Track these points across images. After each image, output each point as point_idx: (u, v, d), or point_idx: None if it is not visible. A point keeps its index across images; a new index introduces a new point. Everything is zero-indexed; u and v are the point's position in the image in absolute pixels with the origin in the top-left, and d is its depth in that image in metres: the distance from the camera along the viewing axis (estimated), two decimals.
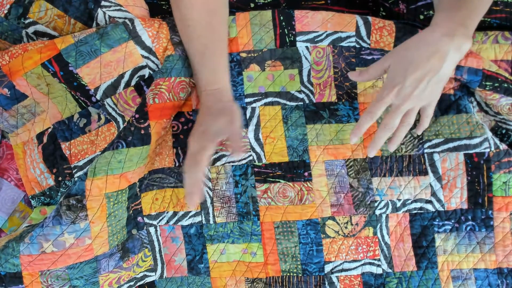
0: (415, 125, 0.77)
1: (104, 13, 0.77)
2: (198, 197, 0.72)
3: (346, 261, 0.79)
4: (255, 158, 0.79)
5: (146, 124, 0.72)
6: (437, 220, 0.78)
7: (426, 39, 0.67)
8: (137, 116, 0.72)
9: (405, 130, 0.72)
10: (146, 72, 0.78)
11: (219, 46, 0.77)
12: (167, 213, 0.80)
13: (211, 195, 0.79)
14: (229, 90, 0.77)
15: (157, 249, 0.81)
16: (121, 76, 0.77)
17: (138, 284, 0.81)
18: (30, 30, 0.78)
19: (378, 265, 0.79)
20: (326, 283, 0.79)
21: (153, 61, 0.77)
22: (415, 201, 0.78)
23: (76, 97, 0.78)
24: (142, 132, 0.72)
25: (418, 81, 0.66)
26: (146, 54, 0.76)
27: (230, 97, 0.77)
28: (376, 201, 0.78)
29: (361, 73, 0.72)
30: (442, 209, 0.78)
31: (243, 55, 0.79)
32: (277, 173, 0.79)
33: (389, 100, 0.68)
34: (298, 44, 0.79)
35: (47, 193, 0.82)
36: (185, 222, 0.80)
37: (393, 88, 0.67)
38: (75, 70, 0.76)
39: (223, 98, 0.75)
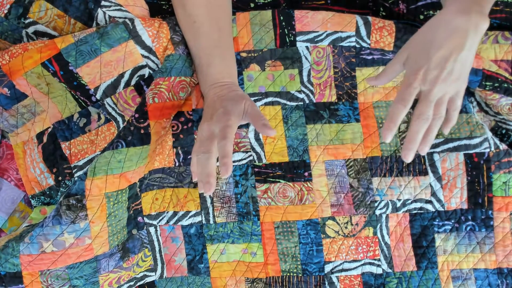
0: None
1: (104, 13, 0.77)
2: (230, 170, 0.63)
3: (346, 261, 0.79)
4: (255, 158, 0.79)
5: (145, 124, 0.72)
6: (437, 220, 0.78)
7: (444, 19, 0.62)
8: (136, 115, 0.72)
9: (438, 125, 0.65)
10: (146, 71, 0.78)
11: (229, 41, 0.77)
12: (167, 213, 0.80)
13: (211, 195, 0.79)
14: (238, 85, 0.77)
15: (157, 249, 0.81)
16: (121, 75, 0.77)
17: (138, 284, 0.81)
18: (30, 30, 0.78)
19: (378, 265, 0.79)
20: (326, 283, 0.79)
21: (153, 61, 0.77)
22: (415, 201, 0.78)
23: (76, 96, 0.78)
24: (142, 131, 0.72)
25: (445, 60, 0.61)
26: (146, 53, 0.76)
27: (241, 90, 0.76)
28: (376, 201, 0.78)
29: (378, 76, 0.68)
30: (442, 209, 0.78)
31: (243, 55, 0.79)
32: (277, 173, 0.79)
33: (417, 84, 0.62)
34: (298, 44, 0.79)
35: (47, 192, 0.82)
36: (185, 222, 0.80)
37: (419, 71, 0.62)
38: (75, 69, 0.76)
39: (236, 89, 0.74)
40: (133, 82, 0.78)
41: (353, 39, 0.79)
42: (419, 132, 0.63)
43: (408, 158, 0.63)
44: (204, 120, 0.69)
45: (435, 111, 0.64)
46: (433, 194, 0.78)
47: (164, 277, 0.81)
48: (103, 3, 0.77)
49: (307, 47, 0.79)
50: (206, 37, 0.75)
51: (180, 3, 0.76)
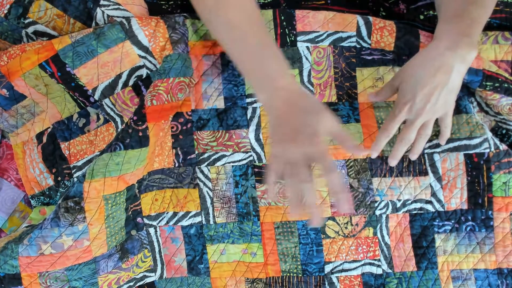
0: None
1: (103, 12, 0.77)
2: (349, 203, 0.75)
3: (346, 261, 0.79)
4: (255, 158, 0.79)
5: (144, 126, 0.72)
6: (437, 220, 0.78)
7: (430, 55, 0.68)
8: (135, 118, 0.72)
9: (423, 141, 0.74)
10: (143, 72, 0.77)
11: (272, 40, 0.73)
12: (167, 213, 0.80)
13: (211, 196, 0.79)
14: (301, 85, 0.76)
15: (157, 249, 0.81)
16: (119, 76, 0.77)
17: (138, 284, 0.81)
18: (30, 30, 0.78)
19: (378, 266, 0.79)
20: (326, 283, 0.79)
21: (150, 61, 0.77)
22: (415, 201, 0.78)
23: (75, 97, 0.78)
24: (140, 134, 0.72)
25: (428, 96, 0.68)
26: (143, 54, 0.76)
27: (309, 93, 0.73)
28: (376, 202, 0.78)
29: (377, 93, 0.75)
30: (442, 210, 0.78)
31: None
32: None
33: (402, 117, 0.70)
34: (299, 44, 0.79)
35: (47, 193, 0.82)
36: (185, 222, 0.80)
37: (405, 105, 0.69)
38: (72, 70, 0.75)
39: (305, 95, 0.67)
40: (131, 82, 0.78)
41: (354, 39, 0.78)
42: (400, 151, 0.74)
43: (392, 164, 0.76)
44: (283, 140, 0.64)
45: (420, 132, 0.73)
46: (433, 194, 0.78)
47: (164, 277, 0.81)
48: (101, 2, 0.77)
49: (307, 47, 0.79)
50: (251, 38, 0.69)
51: (214, 9, 0.69)
